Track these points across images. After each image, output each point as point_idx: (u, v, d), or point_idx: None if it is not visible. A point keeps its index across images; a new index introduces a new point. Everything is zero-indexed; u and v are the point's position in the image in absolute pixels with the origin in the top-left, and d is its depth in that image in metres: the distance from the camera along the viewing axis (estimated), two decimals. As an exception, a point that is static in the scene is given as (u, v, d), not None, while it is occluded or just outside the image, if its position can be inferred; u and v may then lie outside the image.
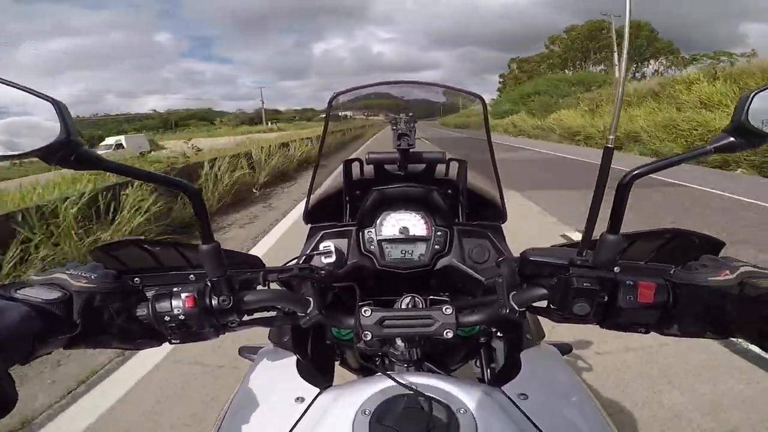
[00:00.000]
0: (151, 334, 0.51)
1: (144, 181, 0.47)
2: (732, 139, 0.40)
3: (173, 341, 0.52)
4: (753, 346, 0.40)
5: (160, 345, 0.53)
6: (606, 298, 0.46)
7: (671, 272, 0.48)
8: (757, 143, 0.39)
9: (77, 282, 0.47)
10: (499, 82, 46.11)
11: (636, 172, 0.42)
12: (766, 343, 0.38)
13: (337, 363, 0.93)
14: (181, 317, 0.49)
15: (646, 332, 0.49)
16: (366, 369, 0.87)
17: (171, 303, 0.49)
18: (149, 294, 0.52)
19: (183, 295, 0.49)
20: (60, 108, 0.36)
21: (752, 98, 0.39)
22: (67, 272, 0.48)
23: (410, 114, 0.80)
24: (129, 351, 2.06)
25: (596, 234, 0.46)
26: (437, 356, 0.81)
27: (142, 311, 0.50)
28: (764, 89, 0.40)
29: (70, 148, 0.36)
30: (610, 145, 0.43)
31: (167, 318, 0.49)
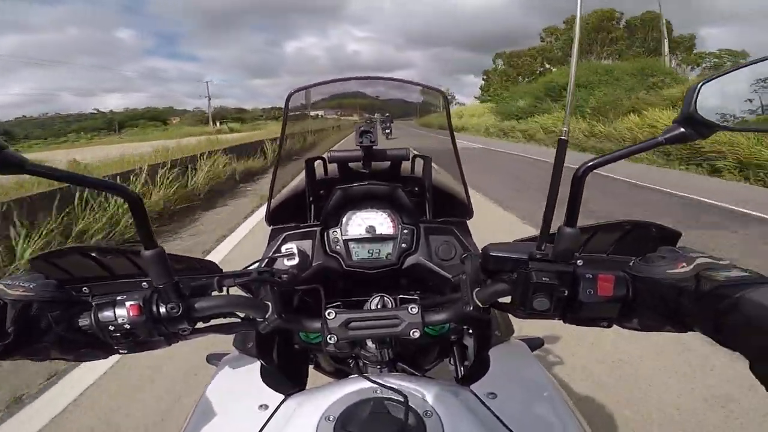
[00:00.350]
0: (96, 344, 0.49)
1: (78, 185, 0.44)
2: (682, 129, 0.40)
3: (121, 351, 0.50)
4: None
5: (107, 356, 0.51)
6: (566, 293, 0.46)
7: (630, 264, 0.48)
8: (706, 133, 0.39)
9: (12, 291, 0.45)
10: (483, 79, 41.89)
11: (590, 164, 0.42)
12: (722, 337, 0.37)
13: (311, 367, 0.91)
14: (127, 326, 0.47)
15: (608, 326, 0.49)
16: (340, 372, 0.85)
17: (115, 312, 0.47)
18: (94, 303, 0.49)
19: (128, 304, 0.47)
20: None
21: (700, 89, 0.39)
22: (3, 282, 0.46)
23: (387, 114, 0.79)
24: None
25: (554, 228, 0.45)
26: (411, 356, 0.81)
27: (84, 321, 0.48)
28: (711, 80, 0.40)
29: None
30: (564, 137, 0.42)
31: (111, 327, 0.47)
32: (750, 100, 0.40)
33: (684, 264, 0.42)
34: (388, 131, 1.26)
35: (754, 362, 0.33)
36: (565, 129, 0.43)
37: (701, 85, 0.39)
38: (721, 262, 0.42)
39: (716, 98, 0.40)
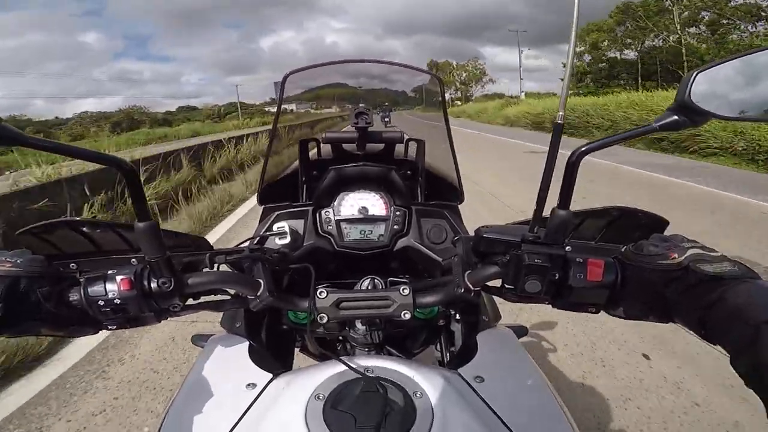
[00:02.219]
0: (84, 320, 0.48)
1: (73, 157, 0.43)
2: (676, 117, 0.40)
3: (110, 327, 0.49)
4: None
5: (96, 332, 0.50)
6: (557, 276, 0.46)
7: (621, 251, 0.48)
8: (699, 121, 0.40)
9: None
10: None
11: (584, 148, 0.42)
12: (704, 331, 0.38)
13: (297, 350, 0.91)
14: (117, 301, 0.46)
15: (596, 312, 0.50)
16: (326, 355, 0.86)
17: (105, 286, 0.46)
18: (83, 278, 0.48)
19: (118, 278, 0.46)
20: None
21: (695, 77, 0.39)
22: None
23: (386, 103, 0.78)
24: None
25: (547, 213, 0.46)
26: (398, 340, 0.81)
27: (74, 296, 0.47)
28: (707, 68, 0.40)
29: None
30: (559, 121, 0.42)
31: (101, 302, 0.46)
32: (744, 90, 0.41)
33: (675, 255, 0.42)
34: (387, 120, 1.26)
35: (734, 357, 0.34)
36: (560, 113, 0.43)
37: (696, 74, 0.40)
38: (712, 254, 0.42)
39: (711, 87, 0.40)
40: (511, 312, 2.19)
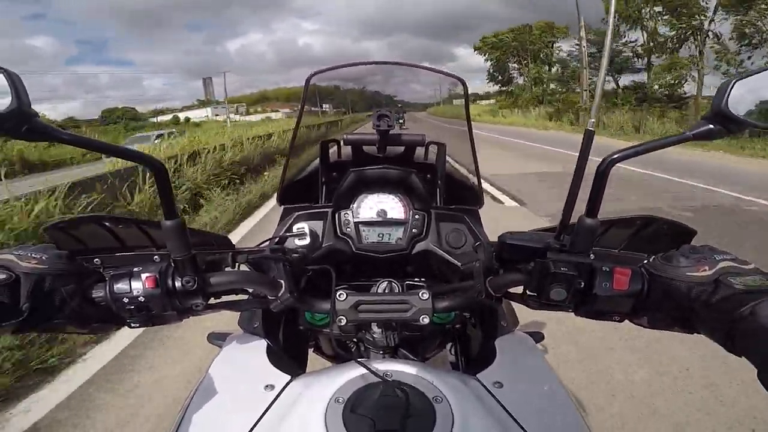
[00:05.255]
0: (108, 317, 0.48)
1: (103, 153, 0.44)
2: (711, 126, 0.40)
3: (132, 325, 0.49)
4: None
5: (119, 329, 0.51)
6: (582, 284, 0.46)
7: (649, 260, 0.48)
8: (735, 130, 0.39)
9: (25, 263, 0.43)
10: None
11: (614, 156, 0.41)
12: (732, 344, 0.37)
13: (310, 351, 0.91)
14: (141, 299, 0.46)
15: (620, 321, 0.49)
16: (340, 356, 0.86)
17: (130, 284, 0.46)
18: (108, 275, 0.48)
19: (143, 276, 0.46)
20: (12, 78, 0.35)
21: (733, 85, 0.39)
22: (14, 253, 0.45)
23: (399, 104, 0.78)
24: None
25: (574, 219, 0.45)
26: (412, 343, 0.81)
27: (98, 293, 0.47)
28: (746, 76, 0.40)
29: (22, 118, 0.35)
30: (590, 128, 0.42)
31: (126, 300, 0.46)
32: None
33: (706, 267, 0.42)
34: (401, 121, 1.26)
35: (762, 371, 0.33)
36: (591, 120, 0.42)
37: (735, 82, 0.39)
38: (744, 267, 0.41)
39: (749, 95, 0.39)
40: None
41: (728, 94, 0.38)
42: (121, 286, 0.46)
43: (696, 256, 0.44)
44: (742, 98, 0.39)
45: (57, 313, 0.45)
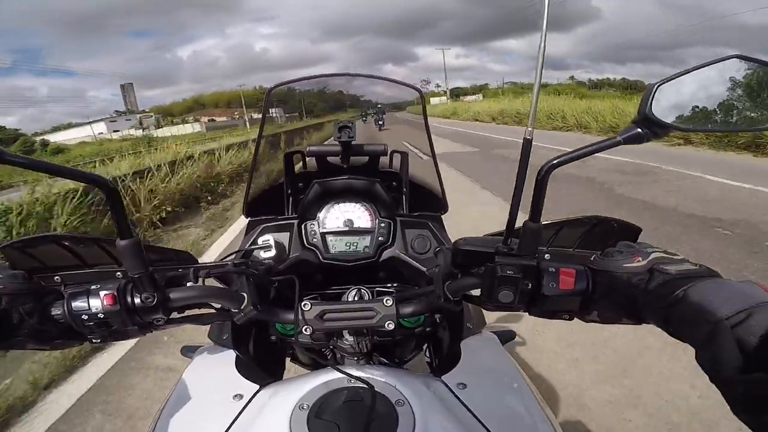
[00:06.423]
0: (69, 334, 0.49)
1: (54, 175, 0.44)
2: (639, 130, 0.41)
3: (93, 341, 0.50)
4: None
5: (81, 344, 0.51)
6: (530, 286, 0.47)
7: (591, 258, 0.50)
8: (660, 133, 0.41)
9: None
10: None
11: (553, 162, 0.43)
12: (671, 328, 0.39)
13: (288, 360, 0.92)
14: (101, 316, 0.47)
15: (570, 319, 0.50)
16: (317, 363, 0.87)
17: (89, 301, 0.46)
18: (66, 293, 0.49)
19: (102, 293, 0.46)
20: None
21: (656, 89, 0.40)
22: None
23: (378, 105, 0.79)
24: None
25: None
26: (388, 348, 0.82)
27: (57, 311, 0.47)
28: (667, 81, 0.41)
29: None
30: (528, 137, 0.43)
31: (85, 317, 0.47)
32: (702, 100, 0.42)
33: (639, 258, 0.44)
34: (381, 122, 1.27)
35: (698, 351, 0.35)
36: (529, 129, 0.44)
37: (657, 86, 0.41)
38: (674, 257, 0.43)
39: (671, 99, 0.41)
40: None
41: (652, 99, 0.40)
42: (79, 303, 0.47)
43: (630, 250, 0.46)
44: (665, 101, 0.41)
45: (15, 331, 0.45)
